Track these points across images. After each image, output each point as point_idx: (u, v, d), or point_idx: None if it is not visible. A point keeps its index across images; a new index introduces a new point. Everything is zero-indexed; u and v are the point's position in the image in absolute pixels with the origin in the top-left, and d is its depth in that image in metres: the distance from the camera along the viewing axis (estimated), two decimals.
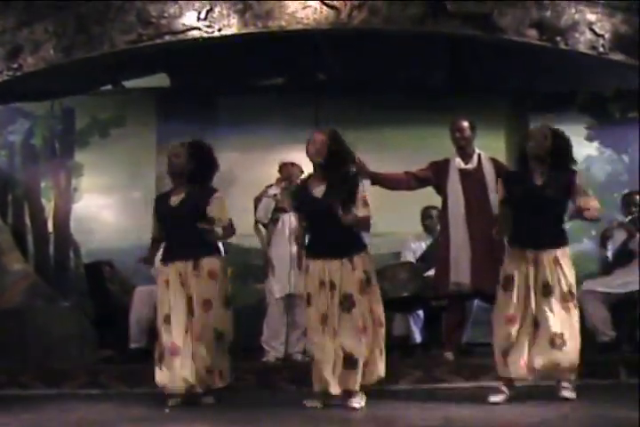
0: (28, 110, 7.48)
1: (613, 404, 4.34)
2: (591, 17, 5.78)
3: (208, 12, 5.77)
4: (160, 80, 7.21)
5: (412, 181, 5.30)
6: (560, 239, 4.50)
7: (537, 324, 4.38)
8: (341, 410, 4.33)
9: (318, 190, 4.49)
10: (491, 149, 6.22)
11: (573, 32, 5.77)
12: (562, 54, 5.88)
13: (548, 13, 5.76)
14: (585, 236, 7.27)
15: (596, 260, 6.84)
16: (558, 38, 5.74)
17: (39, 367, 5.57)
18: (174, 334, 4.47)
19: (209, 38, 5.79)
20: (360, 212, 4.41)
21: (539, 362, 4.35)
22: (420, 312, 6.14)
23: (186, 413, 4.38)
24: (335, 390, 4.33)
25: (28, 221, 7.45)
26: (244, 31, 5.79)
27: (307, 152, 4.48)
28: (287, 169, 5.85)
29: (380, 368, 4.45)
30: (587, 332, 6.00)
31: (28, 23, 5.99)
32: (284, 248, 5.70)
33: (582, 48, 5.78)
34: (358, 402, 4.37)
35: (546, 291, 4.39)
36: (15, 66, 5.98)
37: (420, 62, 6.88)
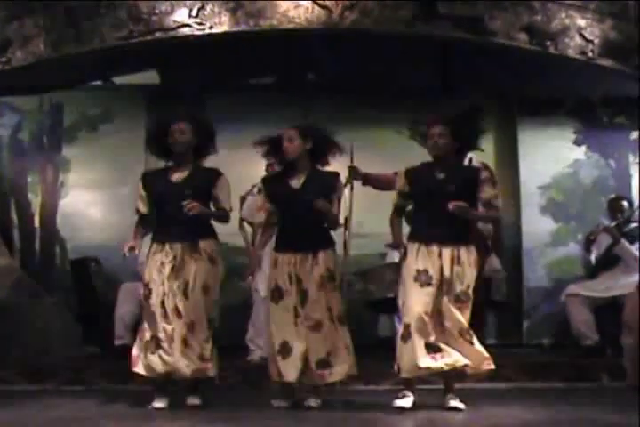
0: (16, 105, 7.41)
1: (596, 407, 4.38)
2: (581, 22, 5.82)
3: (199, 9, 5.77)
4: (150, 77, 7.18)
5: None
6: (463, 236, 4.37)
7: (442, 321, 4.27)
8: (325, 410, 4.33)
9: (296, 182, 4.50)
10: (479, 152, 6.23)
11: (563, 37, 5.80)
12: (551, 59, 5.91)
13: (539, 18, 5.79)
14: (571, 239, 7.29)
15: (581, 264, 6.90)
16: (548, 43, 5.77)
17: (22, 363, 5.54)
18: (172, 319, 4.34)
19: (200, 36, 5.78)
20: (334, 209, 4.45)
21: (451, 359, 4.23)
22: None
23: (169, 410, 4.36)
24: (294, 380, 4.35)
25: (14, 216, 7.40)
26: (235, 29, 5.78)
27: (284, 149, 4.48)
28: (274, 168, 5.82)
29: (348, 366, 4.40)
30: (570, 335, 6.09)
31: (18, 17, 5.96)
32: (271, 247, 5.68)
33: (572, 53, 5.81)
34: (314, 401, 4.38)
35: (446, 287, 4.28)
36: (4, 60, 5.95)
37: (409, 63, 6.90)
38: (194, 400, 4.41)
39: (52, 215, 7.38)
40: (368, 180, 4.65)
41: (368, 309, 6.22)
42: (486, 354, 4.33)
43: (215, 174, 4.57)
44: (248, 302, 5.99)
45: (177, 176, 4.53)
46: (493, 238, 5.84)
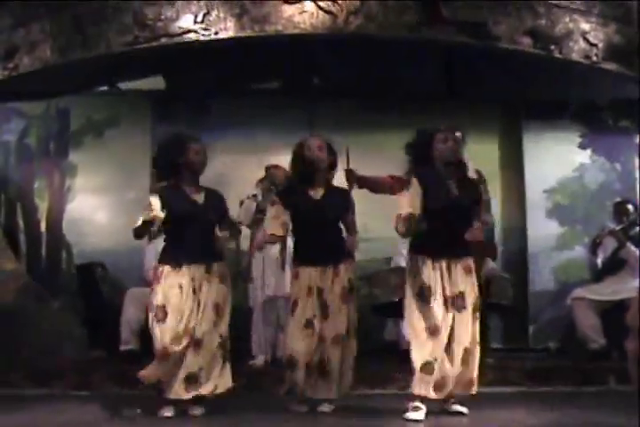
0: (23, 110, 7.45)
1: (603, 411, 4.37)
2: (585, 26, 5.83)
3: (205, 15, 5.79)
4: (156, 82, 7.21)
5: (395, 186, 5.26)
6: (470, 247, 4.35)
7: (451, 338, 4.21)
8: (330, 415, 4.34)
9: (315, 193, 4.52)
10: (484, 156, 6.25)
11: (567, 41, 5.81)
12: (555, 63, 5.92)
13: (543, 22, 5.81)
14: (576, 243, 7.29)
15: (587, 267, 6.89)
16: (552, 47, 5.78)
17: (29, 367, 5.55)
18: (187, 340, 4.28)
19: (205, 41, 5.81)
20: (351, 218, 4.55)
21: (455, 379, 4.21)
22: None
23: (175, 415, 4.37)
24: (313, 395, 4.39)
25: (20, 221, 7.43)
26: (240, 35, 5.81)
27: (314, 158, 4.49)
28: (271, 171, 5.83)
29: (350, 380, 4.43)
30: (577, 339, 6.08)
31: (25, 23, 6.00)
32: (268, 250, 5.69)
33: (576, 57, 5.83)
34: (328, 407, 4.39)
35: (460, 302, 4.23)
36: (11, 66, 5.99)
37: (414, 68, 6.91)
38: (196, 411, 4.37)
39: (59, 220, 7.41)
40: (364, 182, 4.63)
41: (373, 313, 6.22)
42: (474, 377, 4.28)
43: (222, 196, 4.58)
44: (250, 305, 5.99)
45: (196, 197, 4.46)
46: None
